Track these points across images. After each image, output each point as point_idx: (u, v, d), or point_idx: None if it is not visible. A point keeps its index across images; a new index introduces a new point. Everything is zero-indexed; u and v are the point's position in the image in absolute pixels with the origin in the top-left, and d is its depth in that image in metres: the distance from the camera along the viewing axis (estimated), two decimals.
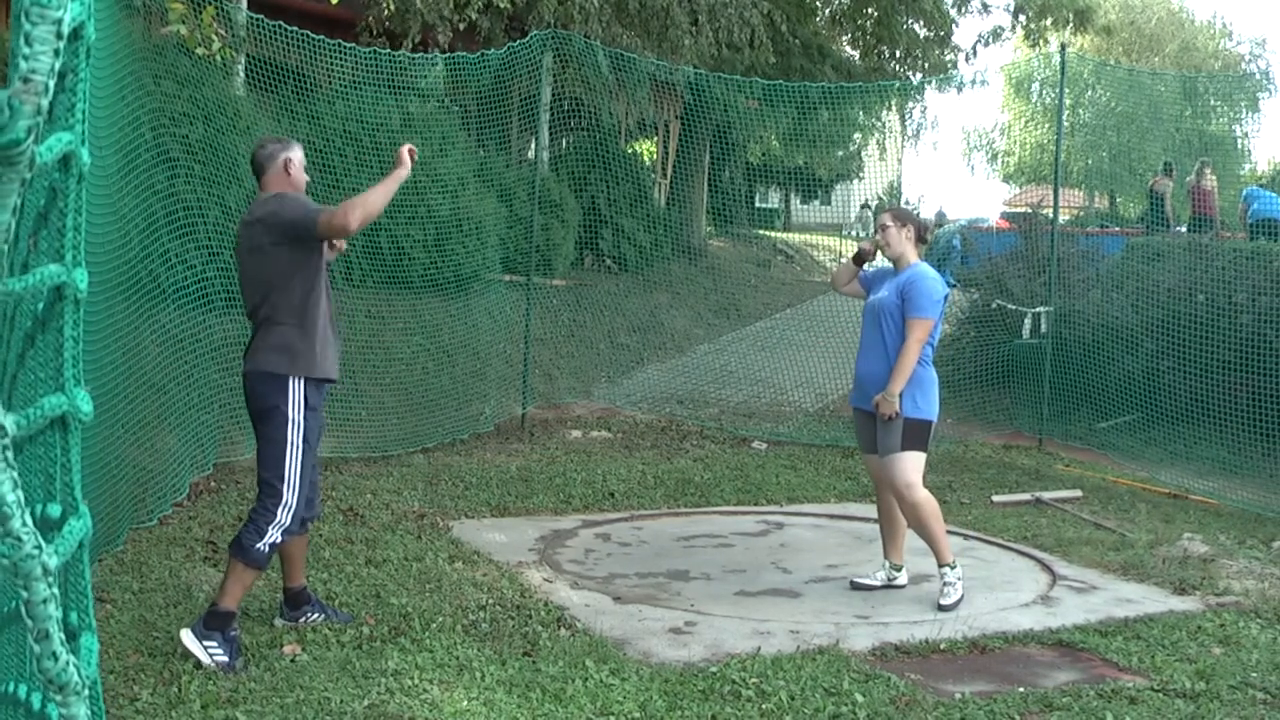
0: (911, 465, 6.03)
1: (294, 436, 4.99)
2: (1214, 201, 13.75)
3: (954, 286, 13.22)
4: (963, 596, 6.06)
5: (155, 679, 4.45)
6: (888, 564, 6.48)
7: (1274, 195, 13.06)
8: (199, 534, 6.75)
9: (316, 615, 5.33)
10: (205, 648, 4.75)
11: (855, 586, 6.40)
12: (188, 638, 4.78)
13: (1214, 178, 13.85)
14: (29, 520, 1.36)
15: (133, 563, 6.06)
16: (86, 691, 1.48)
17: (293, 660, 4.76)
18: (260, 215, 5.07)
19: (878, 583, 6.42)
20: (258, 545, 4.90)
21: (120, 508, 6.35)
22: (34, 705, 1.62)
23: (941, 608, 5.98)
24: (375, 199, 4.98)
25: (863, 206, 23.82)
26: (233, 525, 6.99)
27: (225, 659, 4.72)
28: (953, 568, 6.10)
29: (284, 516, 4.97)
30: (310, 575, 5.96)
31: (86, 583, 1.65)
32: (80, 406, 1.58)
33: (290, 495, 4.97)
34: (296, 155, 5.28)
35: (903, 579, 6.45)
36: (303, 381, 5.01)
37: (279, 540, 4.99)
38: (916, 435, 6.04)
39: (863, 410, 6.28)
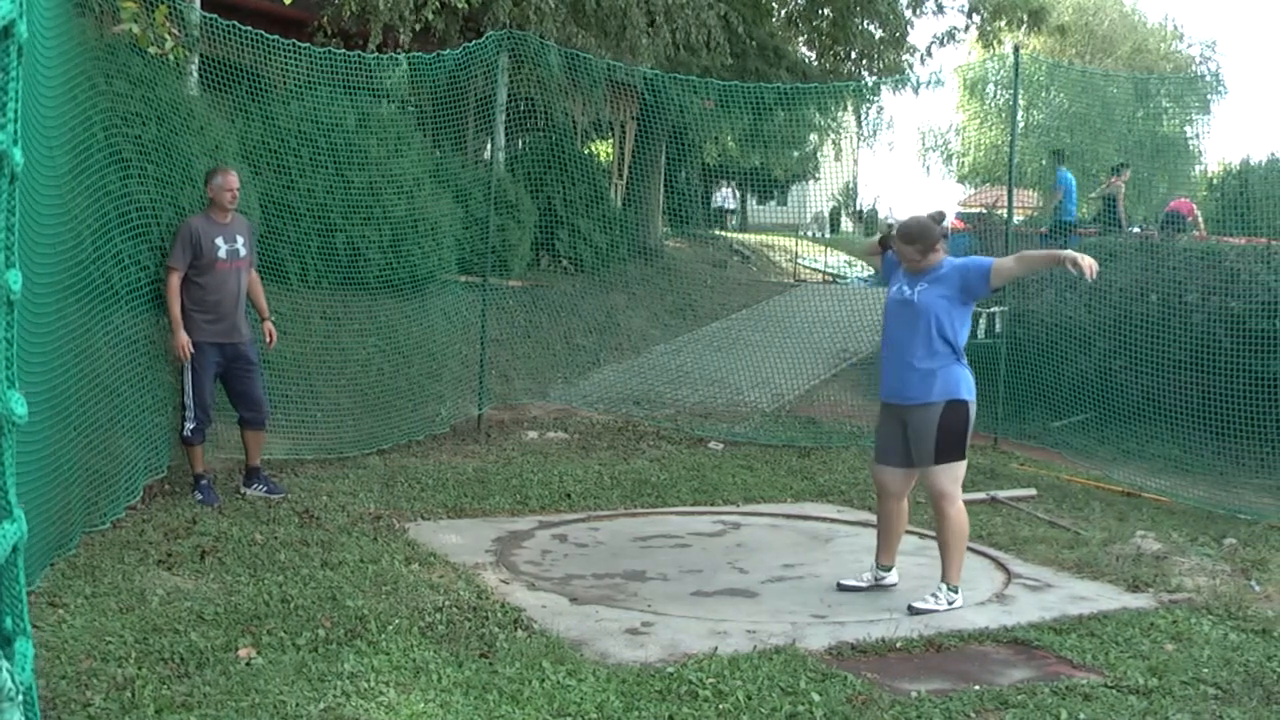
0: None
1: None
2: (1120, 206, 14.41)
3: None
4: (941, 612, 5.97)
5: (108, 684, 4.39)
6: (875, 565, 6.50)
7: None
8: (152, 537, 6.68)
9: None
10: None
11: (842, 589, 6.39)
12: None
13: (1117, 182, 14.50)
14: None
15: (85, 566, 5.99)
16: (21, 697, 1.46)
17: (248, 663, 4.72)
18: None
19: (864, 584, 6.43)
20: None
21: (72, 511, 6.28)
22: None
23: (912, 608, 5.96)
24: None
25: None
26: (187, 528, 6.94)
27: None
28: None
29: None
30: (266, 578, 5.94)
31: (21, 587, 1.62)
32: (14, 409, 1.55)
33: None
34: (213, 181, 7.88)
35: (893, 578, 6.47)
36: None
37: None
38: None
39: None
